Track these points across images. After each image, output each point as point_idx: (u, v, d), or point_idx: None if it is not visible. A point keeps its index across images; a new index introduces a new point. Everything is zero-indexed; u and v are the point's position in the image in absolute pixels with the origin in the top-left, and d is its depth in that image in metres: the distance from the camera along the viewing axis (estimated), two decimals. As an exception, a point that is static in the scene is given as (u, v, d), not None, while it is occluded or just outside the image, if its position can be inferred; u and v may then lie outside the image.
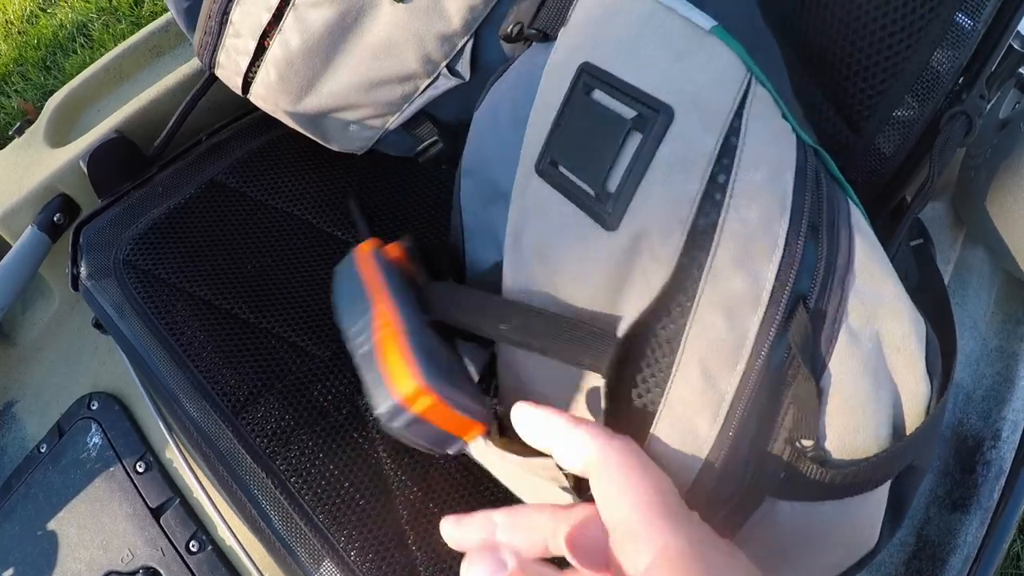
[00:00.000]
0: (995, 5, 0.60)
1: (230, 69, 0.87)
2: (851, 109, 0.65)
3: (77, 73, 2.52)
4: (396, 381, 0.52)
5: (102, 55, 2.53)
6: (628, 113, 0.51)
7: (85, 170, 1.06)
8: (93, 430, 1.07)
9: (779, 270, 0.46)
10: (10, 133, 1.23)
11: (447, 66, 0.82)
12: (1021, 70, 0.80)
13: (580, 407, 0.56)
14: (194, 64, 1.16)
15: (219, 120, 1.12)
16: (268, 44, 0.82)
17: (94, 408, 1.09)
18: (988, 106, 1.01)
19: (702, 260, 0.47)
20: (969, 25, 0.60)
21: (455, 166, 0.77)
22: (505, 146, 0.65)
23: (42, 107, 2.51)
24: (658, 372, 0.49)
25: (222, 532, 0.95)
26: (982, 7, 0.60)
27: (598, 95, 0.54)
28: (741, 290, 0.46)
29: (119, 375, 1.11)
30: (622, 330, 0.50)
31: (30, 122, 1.25)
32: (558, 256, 0.55)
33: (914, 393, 0.51)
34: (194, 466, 0.98)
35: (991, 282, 1.10)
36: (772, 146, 0.49)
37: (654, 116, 0.50)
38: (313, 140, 0.96)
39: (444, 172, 0.97)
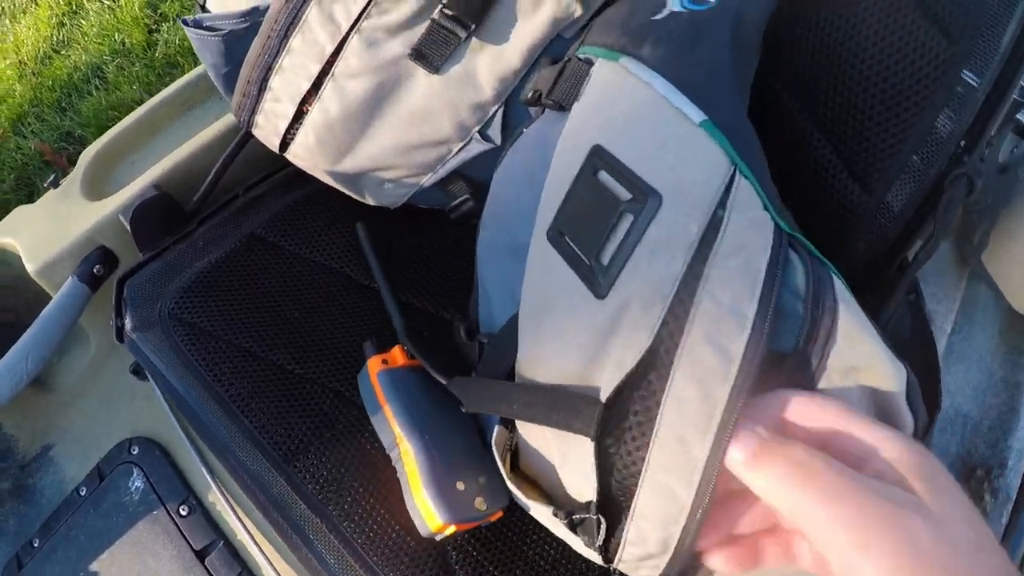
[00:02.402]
0: (1000, 61, 0.61)
1: (268, 130, 0.87)
2: (863, 171, 0.67)
3: (93, 115, 2.55)
4: (425, 519, 0.74)
5: (117, 97, 2.56)
6: (624, 195, 0.55)
7: (126, 224, 1.06)
8: (135, 474, 1.06)
9: (746, 348, 0.48)
10: (44, 185, 1.22)
11: (479, 131, 0.83)
12: (1019, 116, 0.81)
13: (570, 462, 0.58)
14: (228, 120, 1.17)
15: (254, 174, 1.12)
16: (307, 110, 0.83)
17: (134, 453, 1.08)
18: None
19: (678, 334, 0.50)
20: (975, 83, 0.62)
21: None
22: (520, 204, 0.71)
23: (59, 148, 2.55)
24: (639, 436, 0.51)
25: (267, 573, 0.94)
26: (988, 64, 0.61)
27: (603, 176, 0.58)
28: (712, 364, 0.48)
29: (158, 420, 1.09)
30: (605, 394, 0.53)
31: (64, 174, 1.24)
32: (559, 315, 0.59)
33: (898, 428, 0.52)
34: (238, 510, 0.97)
35: (995, 317, 1.11)
36: (750, 235, 0.51)
37: (645, 201, 0.53)
38: (348, 194, 0.96)
39: (473, 226, 0.98)
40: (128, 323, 0.98)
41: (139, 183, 1.12)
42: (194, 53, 2.51)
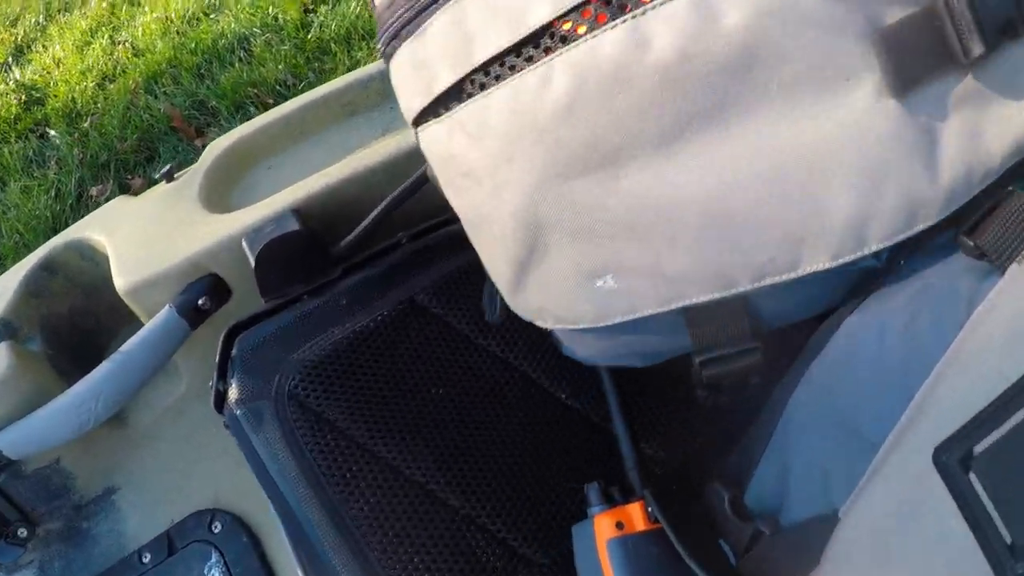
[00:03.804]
0: None
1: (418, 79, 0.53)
2: None
3: (231, 87, 2.34)
4: None
5: (260, 74, 2.35)
6: None
7: (249, 255, 0.80)
8: (213, 559, 0.93)
9: None
10: (156, 176, 0.98)
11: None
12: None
13: None
14: (400, 141, 0.88)
15: (423, 218, 0.84)
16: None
17: (216, 531, 0.93)
18: None
19: None
20: None
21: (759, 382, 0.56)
22: (877, 376, 0.49)
23: (189, 117, 2.34)
24: None
25: None
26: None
27: None
28: None
29: (248, 492, 0.90)
30: None
31: (178, 167, 0.99)
32: (920, 567, 0.45)
33: None
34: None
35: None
36: None
37: None
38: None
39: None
40: (233, 391, 0.73)
41: (274, 202, 0.86)
42: (349, 41, 2.29)
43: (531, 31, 0.44)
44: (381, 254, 0.81)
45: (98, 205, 2.20)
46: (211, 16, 2.71)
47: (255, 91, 2.27)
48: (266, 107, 2.22)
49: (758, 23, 0.41)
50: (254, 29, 2.50)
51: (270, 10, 2.55)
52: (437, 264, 0.80)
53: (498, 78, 0.47)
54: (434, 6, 0.47)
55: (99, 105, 2.58)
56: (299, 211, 0.84)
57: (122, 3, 3.09)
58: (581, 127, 0.45)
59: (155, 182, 1.03)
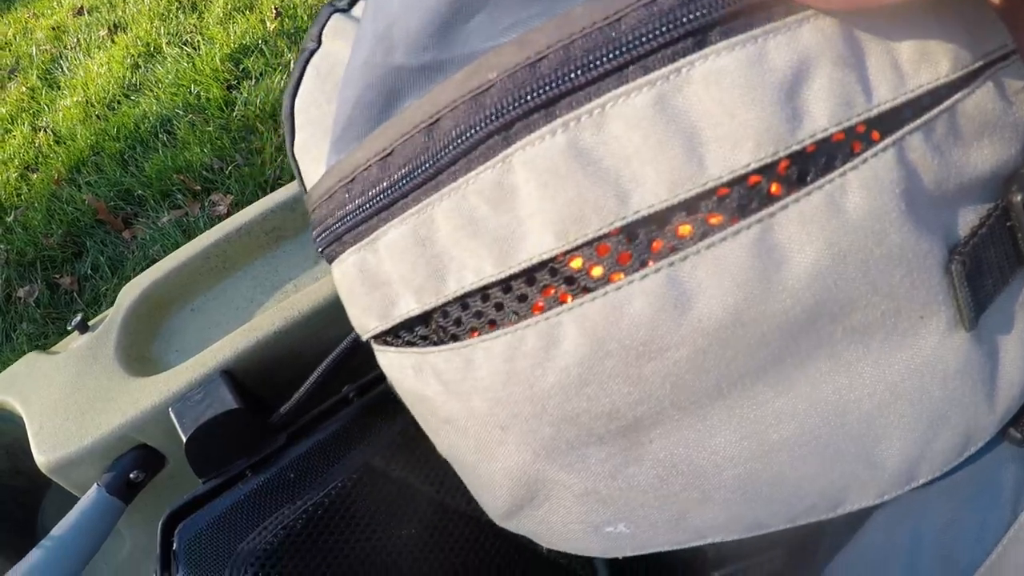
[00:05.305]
0: None
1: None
2: None
3: (156, 175, 2.18)
4: None
5: (185, 159, 2.19)
6: None
7: (180, 432, 0.68)
8: None
9: None
10: (68, 327, 0.85)
11: None
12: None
13: None
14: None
15: (372, 366, 0.71)
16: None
17: None
18: None
19: None
20: None
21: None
22: None
23: (115, 208, 2.19)
24: None
25: None
26: None
27: None
28: None
29: None
30: None
31: (87, 315, 0.86)
32: None
33: None
34: None
35: None
36: None
37: None
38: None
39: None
40: (181, 589, 0.60)
41: (201, 362, 0.74)
42: (275, 118, 2.15)
43: (525, 267, 0.32)
44: (328, 413, 0.69)
45: (27, 307, 2.07)
46: (131, 97, 2.56)
47: (181, 177, 2.12)
48: (194, 194, 2.08)
49: (833, 269, 0.30)
50: (176, 110, 2.35)
51: (192, 88, 2.41)
52: (391, 419, 0.67)
53: (479, 315, 0.34)
54: (386, 212, 0.34)
55: (23, 198, 2.41)
56: (229, 372, 0.72)
57: (42, 87, 2.94)
58: (597, 399, 0.33)
59: (68, 329, 0.90)
